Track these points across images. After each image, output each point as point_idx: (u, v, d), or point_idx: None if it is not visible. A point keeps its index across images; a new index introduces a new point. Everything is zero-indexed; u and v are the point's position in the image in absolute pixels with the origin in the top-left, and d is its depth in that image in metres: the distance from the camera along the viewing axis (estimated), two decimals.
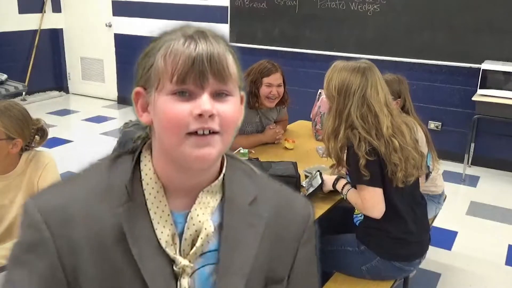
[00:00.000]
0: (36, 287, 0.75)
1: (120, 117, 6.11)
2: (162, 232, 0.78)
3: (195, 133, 0.74)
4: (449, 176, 4.18)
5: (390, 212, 1.91)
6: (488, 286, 2.78)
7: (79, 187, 0.80)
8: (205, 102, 0.74)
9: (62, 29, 6.87)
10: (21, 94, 6.21)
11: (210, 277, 0.81)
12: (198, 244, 0.79)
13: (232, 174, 0.86)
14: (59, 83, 7.04)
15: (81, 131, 5.60)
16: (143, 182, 0.80)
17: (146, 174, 0.81)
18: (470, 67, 4.32)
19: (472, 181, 4.30)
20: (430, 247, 2.11)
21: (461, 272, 2.88)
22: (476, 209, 3.73)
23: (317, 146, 2.67)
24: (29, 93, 6.43)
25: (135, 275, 0.75)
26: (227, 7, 5.32)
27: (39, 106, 6.26)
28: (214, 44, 0.75)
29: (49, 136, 1.98)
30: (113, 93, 6.71)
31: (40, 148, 1.94)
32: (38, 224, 0.75)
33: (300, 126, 3.29)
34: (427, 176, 2.48)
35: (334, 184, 2.07)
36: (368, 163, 1.83)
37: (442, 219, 3.09)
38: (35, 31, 6.52)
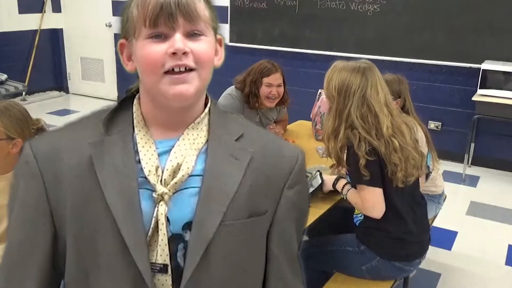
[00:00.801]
0: (24, 215, 0.85)
1: None
2: (147, 163, 0.84)
3: (172, 71, 0.80)
4: (449, 176, 4.18)
5: (390, 212, 1.91)
6: (488, 286, 2.78)
7: (68, 128, 0.90)
8: (177, 40, 0.80)
9: (62, 29, 6.88)
10: (21, 94, 6.21)
11: (192, 198, 0.84)
12: (178, 175, 0.83)
13: (219, 117, 0.91)
14: (59, 83, 7.04)
15: None
16: (134, 122, 0.88)
17: (137, 117, 0.88)
18: (470, 67, 4.32)
19: (472, 181, 4.30)
20: (430, 247, 2.11)
21: (461, 272, 2.88)
22: (476, 209, 3.73)
23: (317, 146, 2.67)
24: (29, 93, 6.43)
25: (101, 200, 0.81)
26: (227, 7, 5.32)
27: (39, 106, 6.27)
28: None
29: None
30: (113, 93, 6.71)
31: None
32: (29, 158, 0.85)
33: (300, 126, 3.29)
34: (427, 176, 2.48)
35: (334, 184, 2.07)
36: (368, 163, 1.83)
37: (442, 219, 3.09)
38: (35, 31, 6.52)
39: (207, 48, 0.83)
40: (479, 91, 4.06)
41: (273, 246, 0.91)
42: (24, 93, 6.20)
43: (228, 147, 0.87)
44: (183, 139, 0.86)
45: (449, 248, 3.14)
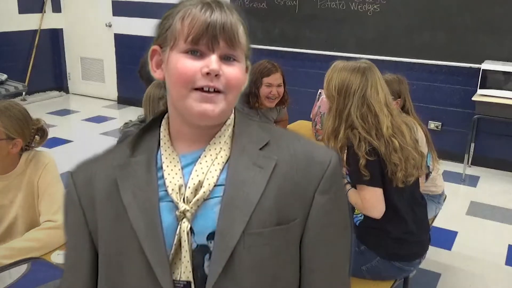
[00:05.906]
0: (70, 239, 0.92)
1: (120, 117, 6.11)
2: (170, 182, 0.85)
3: (201, 89, 0.82)
4: (449, 176, 4.18)
5: (390, 212, 1.91)
6: (488, 286, 2.78)
7: (102, 154, 0.93)
8: (213, 61, 0.81)
9: (62, 29, 6.88)
10: (21, 94, 6.22)
11: (215, 208, 0.84)
12: (200, 192, 0.83)
13: (244, 127, 0.91)
14: (59, 83, 7.04)
15: (81, 131, 5.60)
16: (161, 141, 0.89)
17: (163, 137, 0.89)
18: (470, 67, 4.32)
19: (472, 181, 4.30)
20: (430, 247, 2.11)
21: (461, 272, 2.88)
22: (476, 209, 3.73)
23: None
24: (29, 93, 6.43)
25: (126, 220, 0.84)
26: None
27: (39, 106, 6.26)
28: (228, 14, 0.84)
29: (49, 136, 1.97)
30: (113, 93, 6.71)
31: (40, 148, 1.93)
32: (70, 186, 0.91)
33: (300, 126, 3.29)
34: (427, 176, 2.48)
35: None
36: (368, 163, 1.83)
37: (442, 219, 3.09)
38: (35, 31, 6.52)
39: (239, 74, 0.85)
40: (479, 91, 4.06)
41: (306, 255, 0.89)
42: (24, 93, 6.20)
43: (251, 156, 0.86)
44: (205, 156, 0.86)
45: (449, 248, 3.14)
